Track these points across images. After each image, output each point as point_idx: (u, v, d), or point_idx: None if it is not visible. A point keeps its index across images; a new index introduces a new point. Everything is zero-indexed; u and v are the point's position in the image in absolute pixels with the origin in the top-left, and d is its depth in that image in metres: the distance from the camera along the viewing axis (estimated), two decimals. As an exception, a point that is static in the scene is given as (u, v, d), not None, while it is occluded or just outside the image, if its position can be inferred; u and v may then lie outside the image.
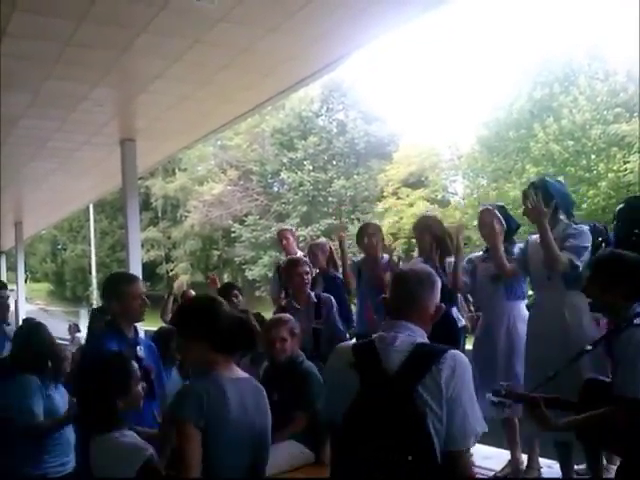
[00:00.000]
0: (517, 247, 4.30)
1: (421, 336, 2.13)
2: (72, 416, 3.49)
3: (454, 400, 1.96)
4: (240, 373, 2.38)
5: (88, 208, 26.16)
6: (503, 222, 4.31)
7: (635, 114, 19.14)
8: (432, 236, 4.52)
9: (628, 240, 3.62)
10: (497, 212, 4.32)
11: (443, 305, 2.23)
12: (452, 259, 4.43)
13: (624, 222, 3.86)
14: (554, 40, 23.82)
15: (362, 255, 5.23)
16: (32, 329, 4.03)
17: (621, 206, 4.05)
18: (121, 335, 3.28)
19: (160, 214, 36.15)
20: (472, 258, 4.58)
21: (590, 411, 2.56)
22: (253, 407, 2.30)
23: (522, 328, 4.12)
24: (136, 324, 3.46)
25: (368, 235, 4.88)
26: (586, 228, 3.85)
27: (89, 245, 32.77)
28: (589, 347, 2.91)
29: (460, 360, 2.02)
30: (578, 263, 3.62)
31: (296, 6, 4.05)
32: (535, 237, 3.99)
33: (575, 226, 3.85)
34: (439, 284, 2.23)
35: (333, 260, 5.55)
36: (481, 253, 4.55)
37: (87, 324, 5.80)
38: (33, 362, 3.67)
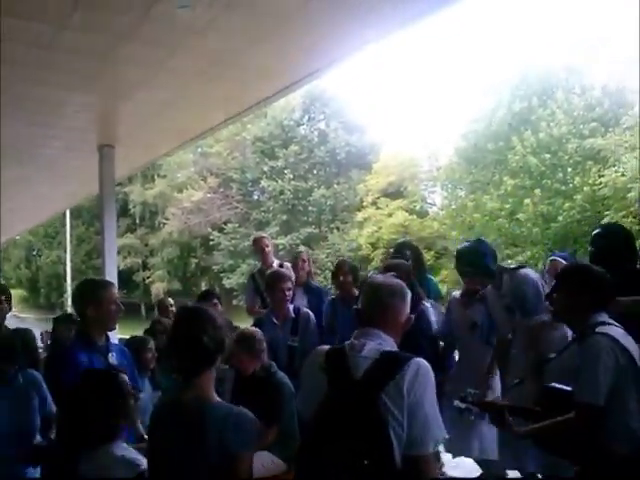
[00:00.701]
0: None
1: (390, 345, 2.18)
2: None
3: (415, 405, 2.00)
4: (189, 397, 2.23)
5: (64, 214, 25.80)
6: None
7: (610, 129, 19.47)
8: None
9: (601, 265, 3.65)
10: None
11: (412, 316, 2.28)
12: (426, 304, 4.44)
13: (599, 248, 3.77)
14: (533, 54, 24.16)
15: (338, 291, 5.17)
16: (18, 335, 3.89)
17: (597, 231, 3.97)
18: (91, 344, 3.25)
19: (138, 221, 35.85)
20: (450, 300, 4.65)
21: (551, 419, 2.60)
22: (180, 434, 2.20)
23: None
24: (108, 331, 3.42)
25: (344, 274, 4.90)
26: (530, 275, 3.90)
27: (65, 251, 32.29)
28: (552, 355, 2.96)
29: (424, 367, 2.06)
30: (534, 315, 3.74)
31: (281, 17, 4.06)
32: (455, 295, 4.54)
33: (519, 277, 3.88)
34: (409, 297, 2.28)
35: (310, 270, 5.59)
36: (459, 296, 4.57)
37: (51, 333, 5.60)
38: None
